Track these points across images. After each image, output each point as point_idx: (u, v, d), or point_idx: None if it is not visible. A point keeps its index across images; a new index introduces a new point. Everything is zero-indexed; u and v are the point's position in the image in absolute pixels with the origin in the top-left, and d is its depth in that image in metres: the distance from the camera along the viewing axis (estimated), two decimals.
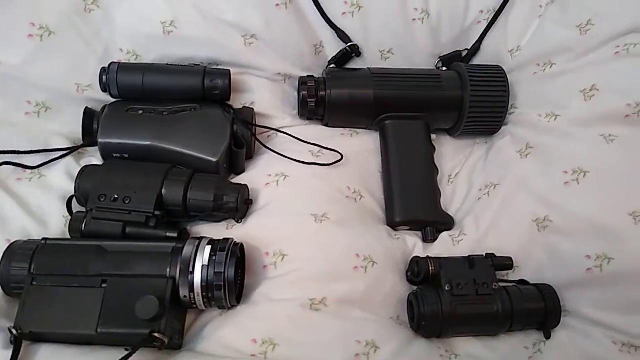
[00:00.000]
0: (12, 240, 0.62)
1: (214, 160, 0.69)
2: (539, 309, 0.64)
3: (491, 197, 0.74)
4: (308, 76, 0.81)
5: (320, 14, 0.81)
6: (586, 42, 0.76)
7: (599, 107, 0.72)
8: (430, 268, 0.65)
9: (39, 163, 0.70)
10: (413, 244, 0.72)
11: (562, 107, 0.75)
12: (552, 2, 0.82)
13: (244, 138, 0.73)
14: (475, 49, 0.86)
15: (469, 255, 0.66)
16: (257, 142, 0.76)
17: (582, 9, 0.77)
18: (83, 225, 0.62)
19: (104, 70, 0.71)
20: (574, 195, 0.68)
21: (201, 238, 0.61)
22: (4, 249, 0.60)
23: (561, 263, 0.67)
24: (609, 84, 0.72)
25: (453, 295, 0.62)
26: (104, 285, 0.56)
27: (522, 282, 0.67)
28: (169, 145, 0.69)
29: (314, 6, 0.81)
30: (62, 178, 0.70)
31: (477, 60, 0.87)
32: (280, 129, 0.78)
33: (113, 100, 0.73)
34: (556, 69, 0.78)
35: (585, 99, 0.73)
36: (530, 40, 0.83)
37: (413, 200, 0.74)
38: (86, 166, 0.68)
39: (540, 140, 0.74)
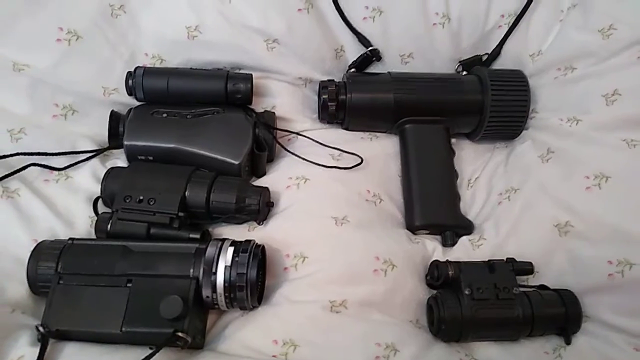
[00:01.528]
0: (40, 240, 0.63)
1: (236, 162, 0.70)
2: (560, 314, 0.64)
3: (511, 201, 0.74)
4: (329, 80, 0.82)
5: (342, 18, 0.82)
6: (608, 47, 0.75)
7: (621, 111, 0.71)
8: (450, 272, 0.65)
9: (66, 165, 0.71)
10: (432, 248, 0.72)
11: (583, 111, 0.74)
12: (574, 7, 0.81)
13: (266, 141, 0.74)
14: (496, 53, 0.86)
15: (489, 260, 0.66)
16: (278, 145, 0.77)
17: (603, 13, 0.76)
18: (109, 226, 0.64)
19: (129, 74, 0.73)
20: (595, 200, 0.67)
21: (224, 239, 0.62)
22: (32, 249, 0.61)
23: (582, 268, 0.66)
24: (631, 89, 0.72)
25: (473, 299, 0.62)
26: (129, 285, 0.57)
27: (543, 287, 0.67)
28: (193, 148, 0.70)
29: (335, 11, 0.82)
30: (88, 179, 0.71)
31: (497, 65, 0.87)
32: (301, 133, 0.79)
33: (138, 103, 0.75)
34: (577, 74, 0.78)
35: (607, 104, 0.73)
36: (552, 44, 0.83)
37: (432, 205, 0.75)
38: (112, 168, 0.70)
39: (562, 144, 0.74)
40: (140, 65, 0.75)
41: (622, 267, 0.63)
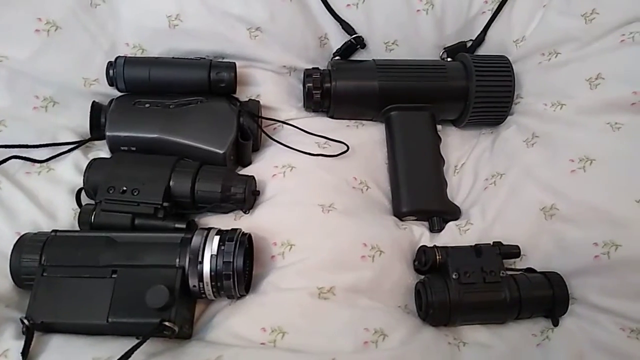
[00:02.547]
0: (22, 233, 0.62)
1: (221, 152, 0.69)
2: (547, 297, 0.64)
3: (497, 186, 0.74)
4: (313, 68, 0.81)
5: (325, 6, 0.81)
6: (591, 31, 0.76)
7: (605, 95, 0.72)
8: (437, 257, 0.65)
9: (48, 157, 0.70)
10: (420, 234, 0.72)
11: (567, 96, 0.75)
12: None
13: (250, 130, 0.73)
14: (480, 39, 0.86)
15: (476, 244, 0.66)
16: (263, 134, 0.76)
17: None
18: (92, 217, 0.63)
19: (110, 65, 0.72)
20: (580, 183, 0.68)
21: (209, 228, 0.61)
22: (14, 242, 0.60)
23: (568, 251, 0.67)
24: (614, 72, 0.72)
25: (460, 283, 0.63)
26: (114, 276, 0.57)
27: (530, 270, 0.67)
28: (176, 138, 0.69)
29: None
30: (70, 171, 0.70)
31: (481, 51, 0.87)
32: (286, 121, 0.78)
33: (120, 94, 0.74)
34: (561, 58, 0.78)
35: (591, 88, 0.73)
36: (535, 30, 0.83)
37: (419, 191, 0.75)
38: (94, 159, 0.69)
39: (546, 129, 0.74)
40: (121, 55, 0.74)
41: (608, 248, 0.64)
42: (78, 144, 0.72)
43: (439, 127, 0.81)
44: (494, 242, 0.67)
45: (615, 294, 0.64)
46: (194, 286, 0.58)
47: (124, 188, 0.64)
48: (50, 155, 0.70)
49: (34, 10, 0.73)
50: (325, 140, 0.76)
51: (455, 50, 0.86)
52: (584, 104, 0.73)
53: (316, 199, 0.68)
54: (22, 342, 0.54)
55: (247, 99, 0.77)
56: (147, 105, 0.71)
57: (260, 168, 0.73)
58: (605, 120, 0.71)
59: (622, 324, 0.63)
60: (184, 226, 0.64)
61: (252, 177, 0.69)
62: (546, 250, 0.68)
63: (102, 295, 0.56)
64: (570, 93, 0.75)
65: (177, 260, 0.58)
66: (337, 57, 0.83)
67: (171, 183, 0.65)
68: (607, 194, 0.66)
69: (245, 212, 0.68)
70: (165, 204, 0.64)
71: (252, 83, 0.80)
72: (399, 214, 0.74)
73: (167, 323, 0.54)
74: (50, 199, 0.68)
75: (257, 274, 0.64)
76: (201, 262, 0.58)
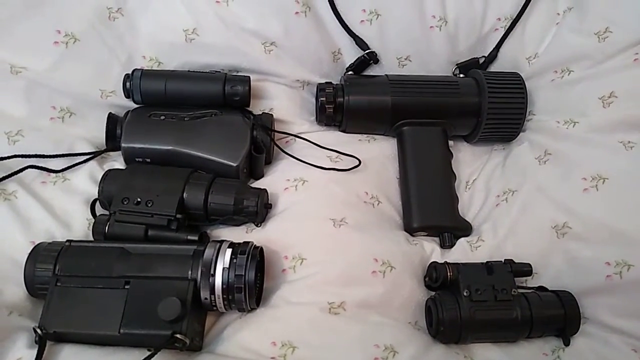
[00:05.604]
0: (37, 242, 0.63)
1: (234, 165, 0.70)
2: (558, 316, 0.64)
3: (509, 203, 0.74)
4: (326, 83, 0.82)
5: (339, 21, 0.82)
6: (604, 50, 0.76)
7: (618, 113, 0.72)
8: (449, 273, 0.65)
9: (64, 167, 0.71)
10: (431, 250, 0.72)
11: (580, 113, 0.75)
12: (570, 10, 0.82)
13: (264, 143, 0.74)
14: (493, 56, 0.87)
15: (488, 261, 0.66)
16: (276, 148, 0.77)
17: (599, 16, 0.77)
18: (106, 228, 0.64)
19: (127, 77, 0.73)
20: (593, 201, 0.68)
21: (222, 241, 0.62)
22: (29, 251, 0.61)
23: (580, 270, 0.67)
24: (627, 91, 0.72)
25: (471, 300, 0.62)
26: (127, 287, 0.57)
27: (541, 288, 0.67)
28: (190, 150, 0.70)
29: (332, 14, 0.82)
30: (85, 182, 0.71)
31: (494, 68, 0.88)
32: (299, 135, 0.79)
33: (136, 106, 0.75)
34: (574, 76, 0.78)
35: (604, 106, 0.73)
36: (548, 47, 0.83)
37: (430, 206, 0.75)
38: (110, 170, 0.70)
39: (559, 146, 0.74)
40: (138, 67, 0.75)
41: (620, 268, 0.64)
42: (94, 155, 0.73)
43: (450, 142, 0.82)
44: (505, 260, 0.67)
45: (627, 314, 0.64)
46: (206, 299, 0.58)
47: (138, 199, 0.65)
48: (66, 166, 0.71)
49: (53, 23, 0.74)
50: (337, 154, 0.77)
51: (467, 67, 0.86)
52: (597, 122, 0.73)
53: (327, 213, 0.69)
54: (35, 351, 0.54)
55: (260, 113, 0.78)
56: (162, 117, 0.72)
57: (273, 181, 0.73)
58: (617, 139, 0.71)
59: (633, 344, 0.62)
60: (196, 238, 0.64)
61: (265, 190, 0.69)
62: (558, 268, 0.68)
63: (115, 306, 0.56)
64: (583, 111, 0.75)
65: (190, 272, 0.58)
66: (350, 72, 0.84)
67: (185, 195, 0.66)
68: (619, 213, 0.66)
69: (257, 225, 0.69)
70: (178, 216, 0.65)
71: (266, 97, 0.81)
72: (410, 230, 0.74)
73: (178, 335, 0.54)
74: (65, 209, 0.68)
75: (268, 287, 0.64)
76: (213, 275, 0.58)
